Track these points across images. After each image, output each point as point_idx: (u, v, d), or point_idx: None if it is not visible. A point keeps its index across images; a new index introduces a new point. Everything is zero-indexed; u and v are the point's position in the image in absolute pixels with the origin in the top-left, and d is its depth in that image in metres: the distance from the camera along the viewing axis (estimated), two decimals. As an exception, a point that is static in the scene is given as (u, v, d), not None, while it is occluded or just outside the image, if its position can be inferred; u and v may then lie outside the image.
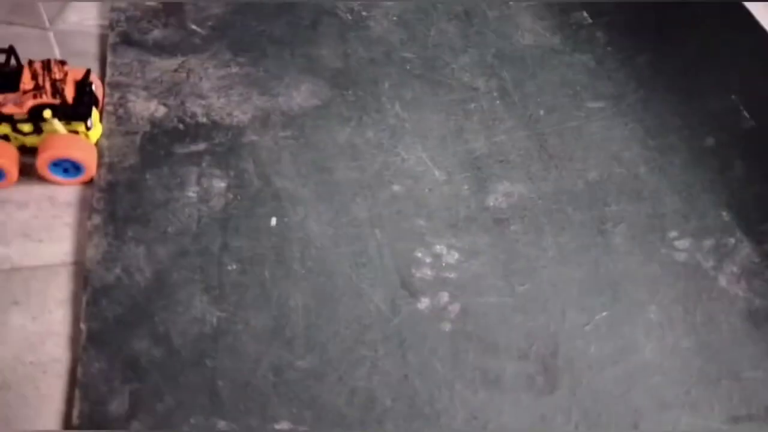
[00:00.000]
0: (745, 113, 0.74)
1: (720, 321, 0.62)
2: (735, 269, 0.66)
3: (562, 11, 0.93)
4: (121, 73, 0.72)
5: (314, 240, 0.62)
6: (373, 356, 0.55)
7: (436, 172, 0.71)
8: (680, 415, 0.56)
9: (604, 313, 0.62)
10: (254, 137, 0.69)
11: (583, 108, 0.81)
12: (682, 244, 0.68)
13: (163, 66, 0.74)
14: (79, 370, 0.50)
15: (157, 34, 0.78)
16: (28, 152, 0.61)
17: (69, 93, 0.60)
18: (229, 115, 0.71)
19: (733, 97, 0.75)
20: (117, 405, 0.49)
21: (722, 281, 0.65)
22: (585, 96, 0.82)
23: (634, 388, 0.57)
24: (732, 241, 0.68)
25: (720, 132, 0.75)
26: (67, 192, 0.62)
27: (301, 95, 0.75)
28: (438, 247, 0.64)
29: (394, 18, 0.87)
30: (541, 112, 0.80)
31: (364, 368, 0.54)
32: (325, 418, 0.51)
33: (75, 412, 0.48)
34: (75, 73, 0.62)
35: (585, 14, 0.91)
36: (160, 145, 0.66)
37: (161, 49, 0.76)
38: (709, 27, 0.82)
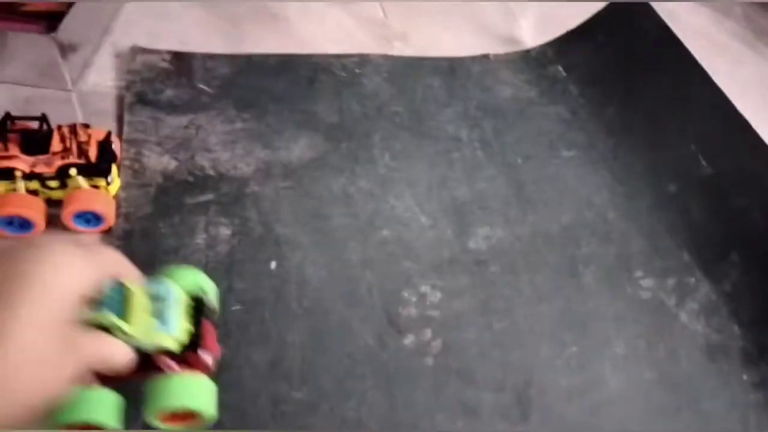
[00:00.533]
0: (703, 161, 0.81)
1: (681, 355, 0.69)
2: (695, 306, 0.73)
3: (539, 65, 1.02)
4: (136, 130, 0.80)
5: (310, 281, 0.69)
6: (363, 388, 0.61)
7: (423, 218, 0.78)
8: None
9: (574, 348, 0.68)
10: (257, 188, 0.77)
11: (558, 156, 0.89)
12: (647, 283, 0.75)
13: (174, 123, 0.83)
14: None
15: (169, 93, 0.87)
16: (54, 204, 0.69)
17: (92, 153, 0.68)
18: (234, 167, 0.79)
19: (692, 146, 0.83)
20: (133, 434, 0.55)
21: (683, 317, 0.72)
22: (559, 145, 0.90)
23: (599, 416, 0.63)
24: (692, 280, 0.75)
25: (681, 178, 0.82)
26: (89, 239, 0.69)
27: (299, 148, 0.83)
28: (423, 287, 0.71)
29: (385, 74, 0.96)
30: (519, 161, 0.87)
31: (354, 400, 0.61)
32: (318, 445, 0.57)
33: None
34: (97, 134, 0.70)
35: (560, 68, 1.01)
36: (172, 196, 0.74)
37: (173, 107, 0.85)
38: (670, 82, 0.90)
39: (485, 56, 1.03)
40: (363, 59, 0.97)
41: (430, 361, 0.65)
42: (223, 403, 0.57)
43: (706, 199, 0.80)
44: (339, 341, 0.65)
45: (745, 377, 0.67)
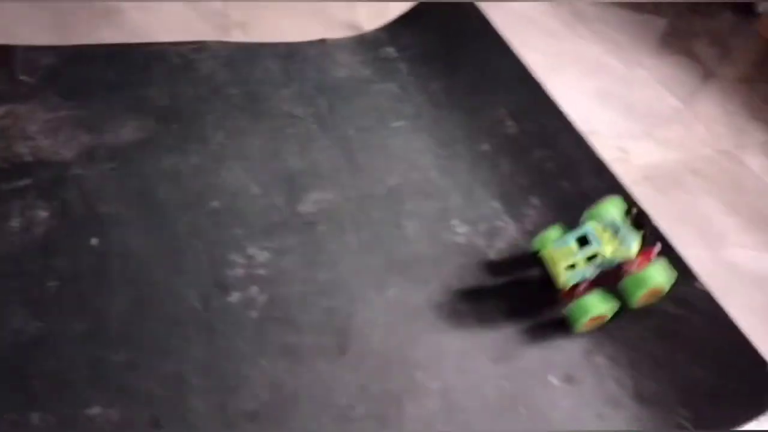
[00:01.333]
0: (509, 122, 0.93)
1: (487, 286, 0.78)
2: (502, 245, 0.83)
3: (373, 48, 1.10)
4: (-53, 122, 0.79)
5: (134, 255, 0.72)
6: (184, 346, 0.65)
7: (254, 188, 0.83)
8: (453, 359, 0.70)
9: (394, 289, 0.75)
10: (80, 171, 0.78)
11: (388, 127, 0.97)
12: (462, 229, 0.84)
13: (-10, 114, 0.82)
14: None
15: (-15, 85, 0.86)
16: None
17: None
18: (56, 153, 0.80)
19: (501, 109, 0.94)
20: (-67, 410, 0.55)
21: (492, 255, 0.82)
22: (389, 117, 0.98)
23: (416, 346, 0.70)
24: (500, 224, 0.85)
25: (492, 139, 0.93)
26: None
27: (127, 131, 0.85)
28: (251, 250, 0.76)
29: (222, 59, 1.01)
30: (352, 132, 0.95)
31: (175, 356, 0.64)
32: (135, 401, 0.60)
33: None
34: None
35: (392, 49, 1.10)
36: (-15, 184, 0.74)
37: (-12, 99, 0.84)
38: (484, 59, 1.02)
39: (322, 41, 1.10)
40: (199, 46, 1.01)
41: (254, 314, 0.69)
42: (40, 372, 0.59)
43: (512, 155, 0.91)
44: (161, 306, 0.68)
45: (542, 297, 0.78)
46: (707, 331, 0.72)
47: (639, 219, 0.74)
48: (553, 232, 0.78)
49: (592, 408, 0.69)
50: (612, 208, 0.77)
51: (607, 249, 0.71)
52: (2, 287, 0.65)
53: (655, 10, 1.59)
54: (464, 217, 0.86)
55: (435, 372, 0.69)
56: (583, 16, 1.47)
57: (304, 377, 0.65)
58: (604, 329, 0.74)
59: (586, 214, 0.77)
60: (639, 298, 0.74)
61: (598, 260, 0.72)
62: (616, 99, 1.24)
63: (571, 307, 0.74)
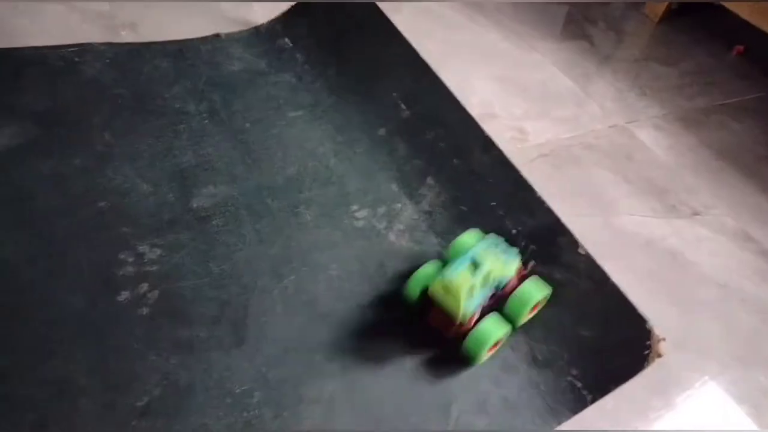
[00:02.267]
0: (403, 106, 0.97)
1: (388, 267, 0.81)
2: (401, 227, 0.86)
3: (268, 39, 1.12)
4: None
5: (9, 263, 0.70)
6: (69, 348, 0.64)
7: (144, 186, 0.83)
8: (354, 341, 0.72)
9: (292, 277, 0.77)
10: (-51, 179, 0.76)
11: (285, 117, 0.99)
12: (362, 213, 0.87)
13: None
14: None
15: None
16: None
17: None
18: None
19: (394, 94, 0.98)
20: None
21: (391, 237, 0.85)
22: (286, 108, 1.00)
23: (312, 332, 0.72)
24: (399, 206, 0.89)
25: (388, 122, 0.97)
26: None
27: (3, 138, 0.83)
28: (141, 247, 0.76)
29: (108, 61, 1.00)
30: (247, 125, 0.96)
31: (59, 359, 0.63)
32: (15, 409, 0.59)
33: None
34: None
35: (287, 40, 1.12)
36: None
37: None
38: (376, 47, 1.06)
39: (216, 35, 1.11)
40: (83, 48, 1.00)
41: (145, 311, 0.69)
42: None
43: (407, 138, 0.95)
44: (39, 311, 0.67)
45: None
46: (592, 294, 0.77)
47: (515, 238, 0.79)
48: (428, 269, 0.75)
49: (489, 375, 0.73)
50: (474, 235, 0.79)
51: (496, 267, 0.72)
52: None
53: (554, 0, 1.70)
54: (363, 202, 0.89)
55: (334, 354, 0.71)
56: (481, 7, 1.55)
57: (198, 369, 0.66)
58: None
59: (450, 247, 0.78)
60: (524, 316, 0.75)
61: (491, 281, 0.72)
62: (512, 82, 1.31)
63: (468, 342, 0.72)
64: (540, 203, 0.79)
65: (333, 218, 0.86)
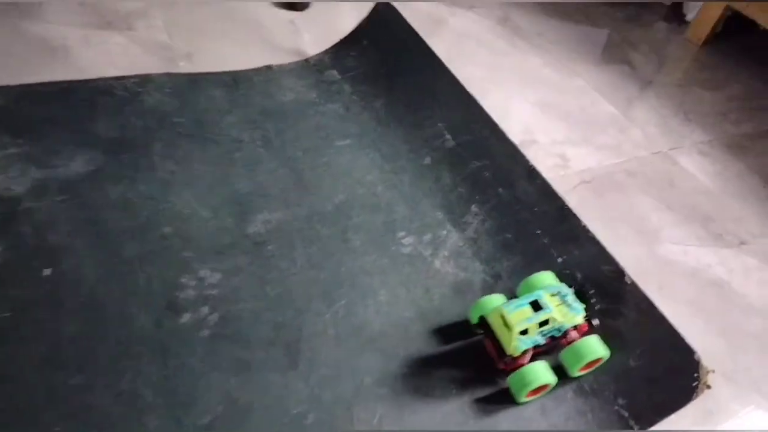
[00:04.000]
0: (447, 135, 1.01)
1: (434, 293, 0.85)
2: (446, 253, 0.90)
3: (317, 71, 1.18)
4: None
5: (86, 281, 0.76)
6: (137, 365, 0.70)
7: (203, 212, 0.89)
8: (402, 366, 0.76)
9: (343, 301, 0.82)
10: (30, 204, 0.83)
11: (333, 146, 1.04)
12: (408, 240, 0.91)
13: (-62, 155, 0.86)
14: None
15: (-68, 127, 0.90)
16: None
17: None
18: (7, 189, 0.85)
19: (439, 124, 1.03)
20: None
21: (437, 264, 0.89)
22: (335, 137, 1.06)
23: (362, 354, 0.76)
24: (444, 233, 0.92)
25: (433, 152, 1.02)
26: None
27: (77, 164, 0.90)
28: (202, 271, 0.81)
29: (168, 90, 1.07)
30: (299, 154, 1.02)
31: (128, 375, 0.69)
32: (93, 421, 0.64)
33: None
34: None
35: (335, 72, 1.18)
36: (-65, 223, 0.78)
37: (-63, 140, 0.88)
38: (421, 78, 1.10)
39: (268, 67, 1.17)
40: (144, 79, 1.07)
41: (206, 332, 0.75)
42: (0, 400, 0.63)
43: (452, 166, 0.99)
44: (115, 329, 0.73)
45: (484, 302, 0.85)
46: (639, 324, 0.79)
47: (582, 291, 0.80)
48: (493, 299, 0.80)
49: (535, 404, 0.75)
50: (547, 278, 0.81)
51: (558, 314, 0.74)
52: (-45, 321, 0.69)
53: (593, 23, 1.72)
54: (409, 229, 0.93)
55: (383, 378, 0.75)
56: (521, 32, 1.58)
57: (256, 389, 0.71)
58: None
59: (522, 284, 0.81)
60: (577, 368, 0.77)
61: (548, 327, 0.75)
62: (554, 108, 1.34)
63: (512, 378, 0.75)
64: (585, 232, 0.82)
65: (380, 244, 0.90)
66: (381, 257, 0.89)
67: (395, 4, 1.25)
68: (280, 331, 0.77)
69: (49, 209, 0.83)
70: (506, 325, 0.73)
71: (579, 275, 0.81)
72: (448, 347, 0.79)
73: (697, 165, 1.27)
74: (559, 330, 0.75)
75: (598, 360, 0.77)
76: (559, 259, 0.84)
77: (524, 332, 0.73)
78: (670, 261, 1.04)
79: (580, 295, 0.78)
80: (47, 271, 0.76)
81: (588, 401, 0.75)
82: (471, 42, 1.47)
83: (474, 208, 0.94)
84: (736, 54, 1.67)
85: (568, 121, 1.32)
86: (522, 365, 0.74)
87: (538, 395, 0.75)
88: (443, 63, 1.08)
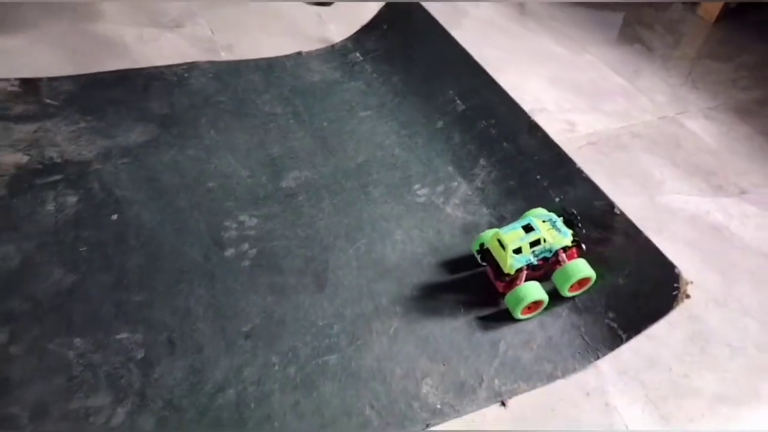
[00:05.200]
0: (458, 101, 1.12)
1: (444, 233, 0.95)
2: (456, 201, 1.00)
3: (341, 55, 1.31)
4: (-10, 138, 1.00)
5: (146, 225, 0.90)
6: (190, 288, 0.83)
7: (242, 171, 1.02)
8: (415, 291, 0.86)
9: (364, 240, 0.93)
10: (99, 166, 0.99)
11: (356, 117, 1.16)
12: (422, 191, 1.02)
13: (24, 130, 1.03)
14: (-32, 324, 0.74)
15: (18, 109, 1.08)
16: None
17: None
18: (79, 154, 1.00)
19: (450, 92, 1.14)
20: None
21: (448, 209, 0.99)
22: (358, 109, 1.18)
23: (380, 281, 0.87)
24: (455, 184, 1.03)
25: (445, 116, 1.13)
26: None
27: (135, 135, 1.06)
28: (242, 217, 0.94)
29: (211, 75, 1.22)
30: (325, 124, 1.14)
31: (183, 296, 0.82)
32: (154, 328, 0.77)
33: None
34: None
35: (358, 54, 1.30)
36: (24, 180, 0.94)
37: (22, 119, 1.06)
38: (435, 53, 1.22)
39: (299, 53, 1.31)
40: (191, 66, 1.23)
41: (246, 263, 0.87)
42: (78, 311, 0.77)
43: (462, 128, 1.10)
44: (170, 261, 0.86)
45: (490, 239, 0.94)
46: (626, 247, 0.87)
47: (569, 219, 0.89)
48: (491, 232, 0.89)
49: (535, 319, 0.84)
50: (539, 211, 0.91)
51: (548, 236, 0.84)
52: (45, 253, 0.84)
53: (609, 7, 1.80)
54: (423, 182, 1.04)
55: (398, 299, 0.86)
56: (537, 17, 1.68)
57: (288, 307, 0.83)
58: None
59: (520, 217, 0.89)
60: (570, 286, 0.85)
61: (539, 247, 0.84)
62: (564, 82, 1.43)
63: (509, 297, 0.85)
64: (579, 173, 0.91)
65: (397, 195, 1.01)
66: (398, 205, 1.00)
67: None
68: (309, 263, 0.89)
69: (114, 170, 0.99)
70: (501, 245, 0.83)
71: (574, 211, 0.90)
72: (455, 276, 0.90)
73: (703, 127, 1.33)
74: (549, 251, 0.84)
75: (586, 280, 0.86)
76: (557, 199, 0.94)
77: (518, 251, 0.82)
78: (670, 208, 1.11)
79: (569, 223, 0.87)
80: (114, 217, 0.91)
81: (582, 317, 0.84)
82: (488, 26, 1.58)
83: (482, 161, 1.04)
84: (748, 29, 1.72)
85: (577, 92, 1.40)
86: (517, 285, 0.84)
87: (534, 313, 0.85)
88: (456, 40, 1.19)
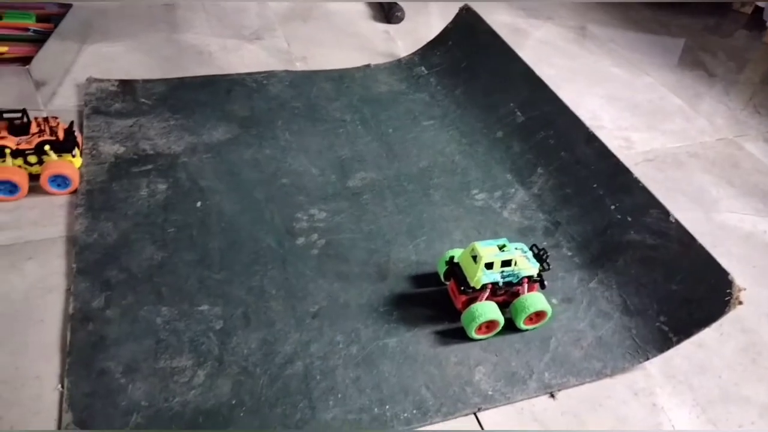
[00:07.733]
0: (518, 113, 1.16)
1: (501, 235, 0.99)
2: (514, 206, 1.04)
3: (407, 68, 1.39)
4: (93, 131, 1.12)
5: (227, 213, 0.99)
6: (264, 270, 0.90)
7: (314, 170, 1.09)
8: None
9: (424, 237, 0.98)
10: (186, 159, 1.08)
11: (420, 125, 1.22)
12: (481, 196, 1.06)
13: (122, 124, 1.14)
14: (72, 287, 0.83)
15: (117, 106, 1.19)
16: (33, 179, 0.97)
17: (60, 134, 0.98)
18: (169, 148, 1.10)
19: (511, 104, 1.18)
20: (96, 303, 0.82)
21: (505, 214, 1.03)
22: (421, 118, 1.24)
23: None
24: (512, 190, 1.07)
25: (505, 127, 1.17)
26: (60, 198, 0.97)
27: (218, 133, 1.15)
28: (312, 210, 1.01)
29: (287, 83, 1.31)
30: (390, 131, 1.21)
31: (258, 276, 0.89)
32: (231, 302, 0.85)
33: (70, 308, 0.80)
34: (63, 125, 1.01)
35: (423, 68, 1.37)
36: (121, 168, 1.04)
37: (120, 114, 1.17)
38: (497, 67, 1.27)
39: (367, 66, 1.39)
40: (269, 74, 1.32)
41: (315, 252, 0.94)
42: (166, 284, 0.85)
43: (521, 138, 1.14)
44: (248, 245, 0.94)
45: (544, 243, 0.97)
46: (680, 254, 0.89)
47: (539, 254, 0.88)
48: (459, 250, 0.90)
49: (586, 320, 0.87)
50: (516, 243, 0.89)
51: (519, 260, 0.85)
52: (138, 232, 0.93)
53: (670, 33, 1.81)
54: (482, 187, 1.09)
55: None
56: (596, 38, 1.71)
57: (352, 292, 0.88)
58: (588, 290, 0.93)
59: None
60: (527, 317, 0.85)
61: (509, 269, 0.85)
62: (622, 101, 1.45)
63: (465, 314, 0.84)
64: (636, 183, 0.94)
65: (456, 199, 1.06)
66: (457, 208, 1.05)
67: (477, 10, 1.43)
68: (373, 255, 0.94)
69: (199, 162, 1.08)
70: (474, 258, 0.84)
71: (629, 219, 0.92)
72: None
73: (763, 150, 1.33)
74: (516, 276, 0.85)
75: (542, 314, 0.85)
76: (612, 207, 0.96)
77: (489, 267, 0.83)
78: (725, 226, 1.11)
79: (537, 257, 0.87)
80: (198, 204, 0.99)
81: (633, 319, 0.86)
82: (549, 49, 1.62)
83: (539, 170, 1.08)
84: (815, 56, 1.69)
85: (635, 111, 1.43)
86: (476, 299, 0.84)
87: (488, 335, 0.85)
88: (518, 55, 1.24)
